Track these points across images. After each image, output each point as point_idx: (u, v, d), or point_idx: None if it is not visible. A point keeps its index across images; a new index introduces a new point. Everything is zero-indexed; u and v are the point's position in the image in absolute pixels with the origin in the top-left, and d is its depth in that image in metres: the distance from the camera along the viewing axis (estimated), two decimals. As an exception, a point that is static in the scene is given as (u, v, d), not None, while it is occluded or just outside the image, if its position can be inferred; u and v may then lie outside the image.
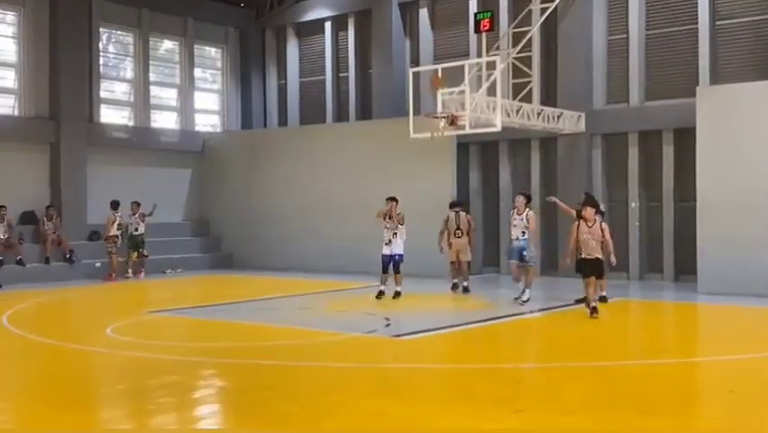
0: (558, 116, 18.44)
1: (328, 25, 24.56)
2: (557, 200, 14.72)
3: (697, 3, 18.13)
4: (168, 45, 24.77)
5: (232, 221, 23.87)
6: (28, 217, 20.53)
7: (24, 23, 20.88)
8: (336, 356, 9.65)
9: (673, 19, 18.66)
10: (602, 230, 12.95)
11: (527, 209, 14.67)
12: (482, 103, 16.26)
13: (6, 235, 19.17)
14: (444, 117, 15.96)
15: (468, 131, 16.39)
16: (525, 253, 14.43)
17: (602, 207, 14.90)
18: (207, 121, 25.87)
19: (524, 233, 14.49)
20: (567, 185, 19.28)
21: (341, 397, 7.79)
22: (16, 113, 20.91)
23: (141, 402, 7.87)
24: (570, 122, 18.74)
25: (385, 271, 15.14)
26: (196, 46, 25.00)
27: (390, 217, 15.16)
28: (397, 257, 15.09)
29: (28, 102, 20.89)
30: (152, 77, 23.92)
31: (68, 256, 20.14)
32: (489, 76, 16.83)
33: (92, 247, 20.99)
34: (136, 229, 20.53)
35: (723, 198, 15.81)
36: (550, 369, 9.32)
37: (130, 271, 20.49)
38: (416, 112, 17.79)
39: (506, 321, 12.73)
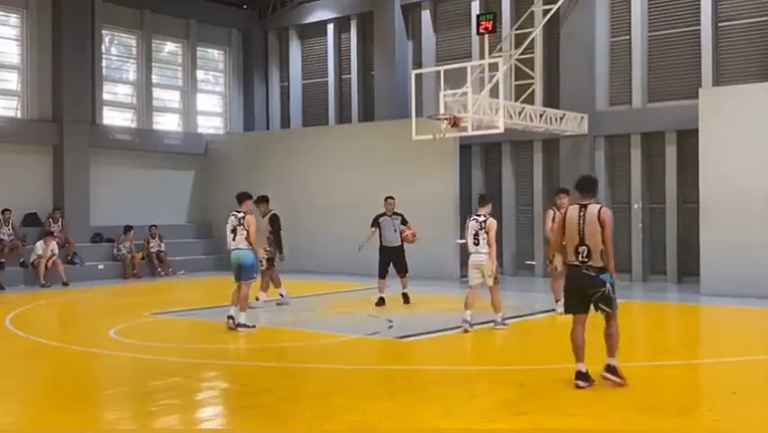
0: (560, 118, 18.43)
1: (330, 27, 24.59)
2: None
3: (699, 4, 18.11)
4: (170, 47, 24.81)
5: (234, 223, 23.79)
6: (31, 219, 20.56)
7: (27, 25, 20.91)
8: (339, 358, 9.65)
9: (676, 21, 18.65)
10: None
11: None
12: (485, 104, 16.26)
13: (11, 238, 19.20)
14: (447, 119, 15.96)
15: (470, 132, 16.42)
16: None
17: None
18: (210, 123, 25.90)
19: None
20: (569, 187, 19.25)
21: (344, 399, 7.79)
22: (19, 115, 20.93)
23: (145, 404, 7.89)
24: (572, 123, 18.73)
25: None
26: (198, 48, 25.02)
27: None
28: None
29: (31, 104, 20.92)
30: (155, 79, 23.96)
31: (70, 258, 20.16)
32: (491, 77, 16.86)
33: (95, 249, 21.02)
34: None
35: (726, 200, 15.79)
36: (553, 371, 9.31)
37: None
38: (419, 114, 17.79)
39: (509, 323, 12.70)
